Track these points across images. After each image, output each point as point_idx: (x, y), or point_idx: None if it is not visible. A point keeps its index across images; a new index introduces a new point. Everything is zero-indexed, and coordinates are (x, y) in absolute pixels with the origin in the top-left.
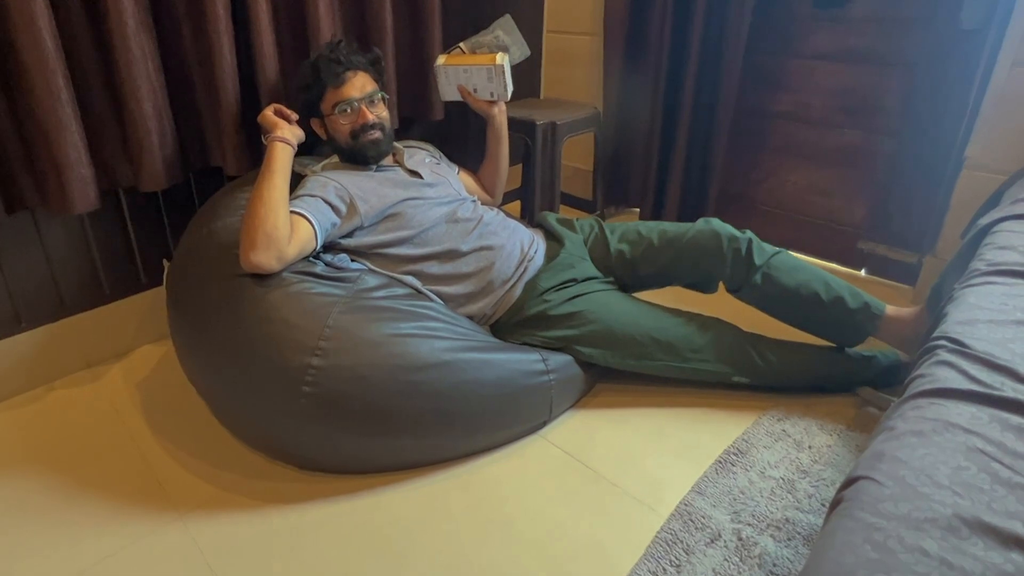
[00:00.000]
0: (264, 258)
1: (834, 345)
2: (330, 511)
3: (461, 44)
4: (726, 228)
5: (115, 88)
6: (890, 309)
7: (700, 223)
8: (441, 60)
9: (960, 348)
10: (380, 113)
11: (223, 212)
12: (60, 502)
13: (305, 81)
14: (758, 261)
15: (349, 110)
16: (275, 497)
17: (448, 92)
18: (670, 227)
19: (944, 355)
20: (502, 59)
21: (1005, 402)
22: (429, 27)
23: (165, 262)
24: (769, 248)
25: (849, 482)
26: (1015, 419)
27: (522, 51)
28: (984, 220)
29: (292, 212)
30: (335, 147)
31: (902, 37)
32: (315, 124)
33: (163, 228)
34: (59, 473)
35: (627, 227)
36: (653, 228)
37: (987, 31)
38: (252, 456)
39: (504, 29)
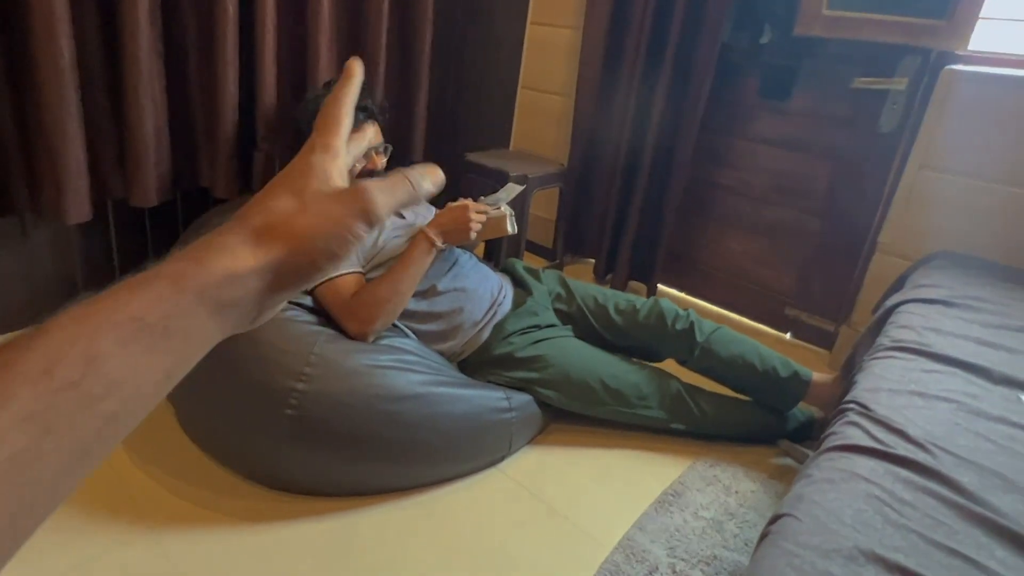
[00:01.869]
0: (372, 335)
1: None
2: (299, 531)
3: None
4: (672, 310)
5: (121, 106)
6: (816, 376)
7: (652, 303)
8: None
9: (866, 412)
10: (381, 163)
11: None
12: None
13: (308, 116)
14: (699, 338)
15: (364, 156)
16: (246, 515)
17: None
18: (626, 306)
19: (853, 417)
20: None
21: (897, 459)
22: (418, 75)
23: None
24: (708, 326)
25: (775, 518)
26: (904, 472)
27: (513, 191)
28: (890, 301)
29: (353, 273)
30: None
31: (831, 132)
32: None
33: (146, 244)
34: None
35: (590, 293)
36: (610, 298)
37: (901, 135)
38: (222, 473)
39: (507, 193)
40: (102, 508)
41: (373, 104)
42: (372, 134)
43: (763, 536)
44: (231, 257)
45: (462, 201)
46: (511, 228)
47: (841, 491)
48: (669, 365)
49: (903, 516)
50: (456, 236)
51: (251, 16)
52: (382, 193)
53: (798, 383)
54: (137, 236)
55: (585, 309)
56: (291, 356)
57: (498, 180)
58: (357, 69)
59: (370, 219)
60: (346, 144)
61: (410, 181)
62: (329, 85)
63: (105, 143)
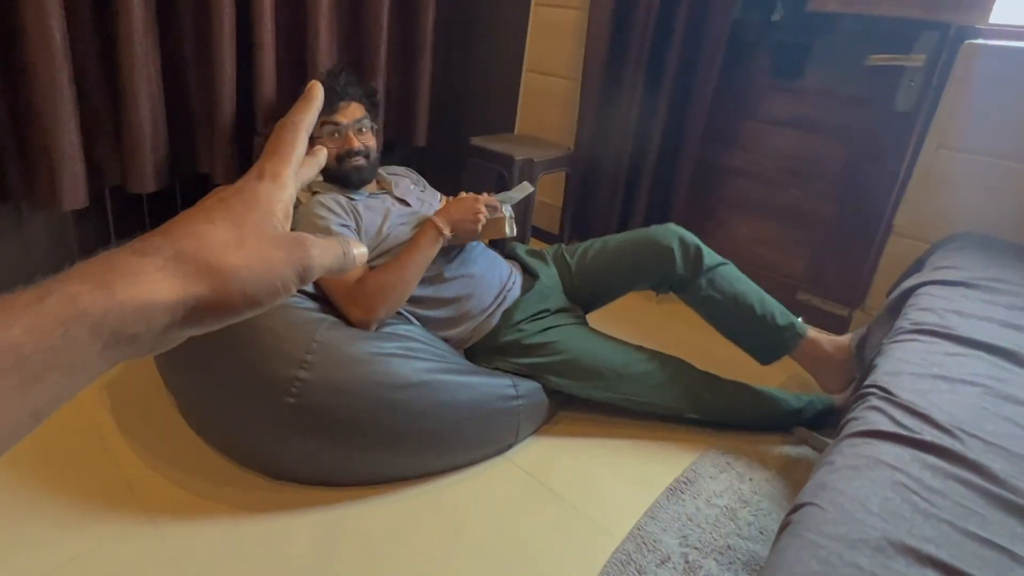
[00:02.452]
0: (376, 324)
1: (761, 363)
2: (300, 521)
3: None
4: (680, 230)
5: (115, 88)
6: (812, 332)
7: (657, 226)
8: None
9: (888, 396)
10: (367, 141)
11: None
12: (27, 503)
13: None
14: (708, 263)
15: (337, 135)
16: (246, 505)
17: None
18: (628, 232)
19: (875, 401)
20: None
21: (924, 444)
22: (420, 59)
23: None
24: (717, 257)
25: (797, 507)
26: (931, 459)
27: (524, 191)
28: (909, 283)
29: None
30: (324, 177)
31: (845, 112)
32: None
33: (144, 231)
34: (26, 474)
35: (585, 243)
36: (611, 237)
37: (918, 115)
38: (223, 463)
39: (519, 191)
40: (100, 498)
41: (354, 85)
42: (354, 111)
43: (784, 525)
44: (145, 286)
45: (471, 194)
46: (510, 231)
47: (866, 478)
48: (682, 348)
49: (932, 505)
50: (463, 227)
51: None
52: (319, 252)
53: (792, 335)
54: (135, 222)
55: (579, 255)
56: (292, 343)
57: (502, 164)
58: (317, 93)
59: (304, 275)
60: (296, 172)
61: (343, 250)
62: (334, 75)
63: (100, 127)
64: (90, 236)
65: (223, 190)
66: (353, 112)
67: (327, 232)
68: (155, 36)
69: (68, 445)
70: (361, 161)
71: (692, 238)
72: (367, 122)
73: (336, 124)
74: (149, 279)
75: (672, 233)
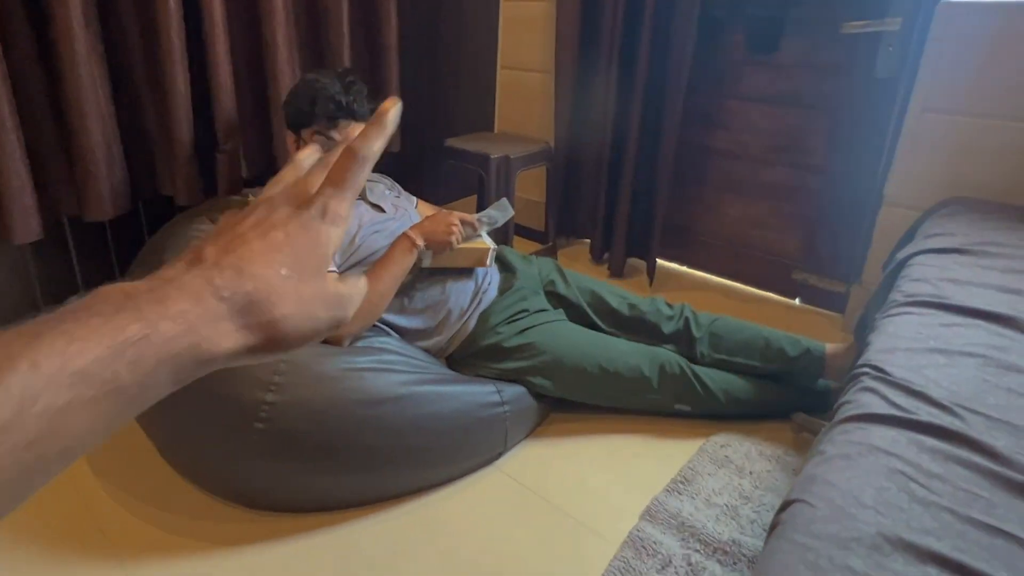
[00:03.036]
0: (350, 339)
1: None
2: (281, 552)
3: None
4: (663, 312)
5: (63, 115)
6: (829, 347)
7: (647, 301)
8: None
9: (881, 375)
10: None
11: (175, 242)
12: None
13: (298, 103)
14: (697, 333)
15: (328, 146)
16: (224, 539)
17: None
18: (621, 298)
19: (867, 382)
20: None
21: (920, 425)
22: (387, 65)
23: None
24: (704, 320)
25: (785, 505)
26: (929, 441)
27: (507, 215)
28: (901, 254)
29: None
30: None
31: (825, 83)
32: (289, 139)
33: (110, 259)
34: None
35: (585, 283)
36: (608, 291)
37: (899, 80)
38: (200, 496)
39: (497, 208)
40: (69, 542)
41: (363, 103)
42: (353, 131)
43: (772, 527)
44: (217, 338)
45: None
46: (490, 262)
47: (859, 468)
48: None
49: (932, 492)
50: (437, 239)
51: (197, 10)
52: (353, 310)
53: (811, 360)
54: (99, 251)
55: (582, 300)
56: (258, 366)
57: (478, 164)
58: (392, 119)
59: (334, 333)
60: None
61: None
62: (345, 86)
63: (50, 156)
64: (51, 266)
65: (284, 216)
66: (352, 133)
67: None
68: (101, 57)
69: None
70: None
71: (675, 317)
72: None
73: (330, 139)
74: (222, 330)
75: (656, 323)
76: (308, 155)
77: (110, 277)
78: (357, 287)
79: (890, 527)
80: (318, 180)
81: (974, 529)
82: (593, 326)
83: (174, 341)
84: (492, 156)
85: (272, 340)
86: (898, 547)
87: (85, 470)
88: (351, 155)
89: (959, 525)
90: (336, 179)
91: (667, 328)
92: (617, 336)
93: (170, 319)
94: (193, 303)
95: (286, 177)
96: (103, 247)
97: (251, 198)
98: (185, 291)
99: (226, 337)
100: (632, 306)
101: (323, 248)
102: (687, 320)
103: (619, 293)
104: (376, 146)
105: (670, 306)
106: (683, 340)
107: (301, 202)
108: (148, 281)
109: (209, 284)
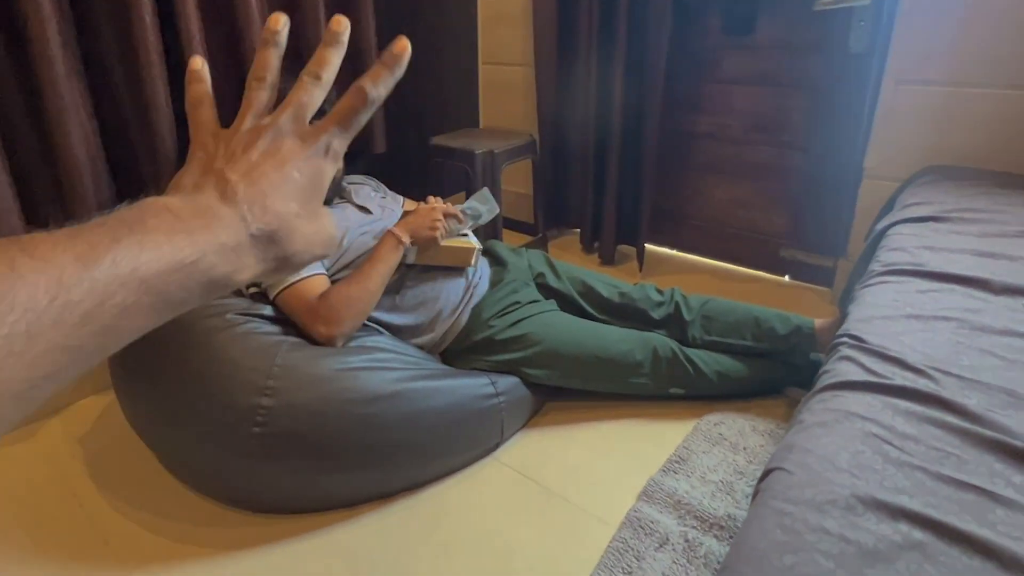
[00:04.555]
0: (343, 339)
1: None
2: (285, 554)
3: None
4: (653, 298)
5: (45, 136)
6: (818, 322)
7: (636, 290)
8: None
9: (859, 343)
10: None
11: None
12: None
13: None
14: (688, 317)
15: None
16: (228, 544)
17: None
18: (611, 286)
19: (846, 351)
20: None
21: (895, 389)
22: (366, 65)
23: None
24: (695, 303)
25: (765, 474)
26: (903, 404)
27: (492, 210)
28: (880, 225)
29: (318, 275)
30: None
31: (801, 61)
32: None
33: None
34: None
35: (575, 272)
36: (598, 280)
37: (872, 54)
38: (203, 504)
39: (479, 199)
40: (74, 554)
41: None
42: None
43: (753, 496)
44: (244, 266)
45: (432, 202)
46: (475, 261)
47: (835, 434)
48: None
49: (905, 452)
50: (422, 235)
51: (174, 23)
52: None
53: (801, 336)
54: None
55: (573, 290)
56: (252, 371)
57: (464, 161)
58: (403, 59)
59: (329, 253)
60: None
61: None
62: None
63: (35, 176)
64: None
65: (293, 149)
66: None
67: None
68: (80, 75)
69: (36, 505)
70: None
71: (663, 300)
72: None
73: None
74: (249, 262)
75: (645, 307)
76: (284, 26)
77: None
78: (337, 227)
79: (864, 488)
80: (269, 99)
81: (945, 485)
82: (585, 315)
83: (215, 269)
84: (477, 152)
85: (279, 270)
86: (871, 506)
87: (87, 481)
88: (360, 96)
89: (930, 482)
90: (342, 120)
91: (658, 314)
92: (609, 323)
93: (215, 252)
94: (231, 236)
95: (270, 61)
96: None
97: None
98: (224, 223)
99: (250, 268)
100: (622, 294)
101: (323, 187)
102: (677, 304)
103: (609, 282)
104: (385, 89)
105: (660, 292)
106: (674, 324)
107: (305, 134)
108: (186, 201)
109: (243, 221)
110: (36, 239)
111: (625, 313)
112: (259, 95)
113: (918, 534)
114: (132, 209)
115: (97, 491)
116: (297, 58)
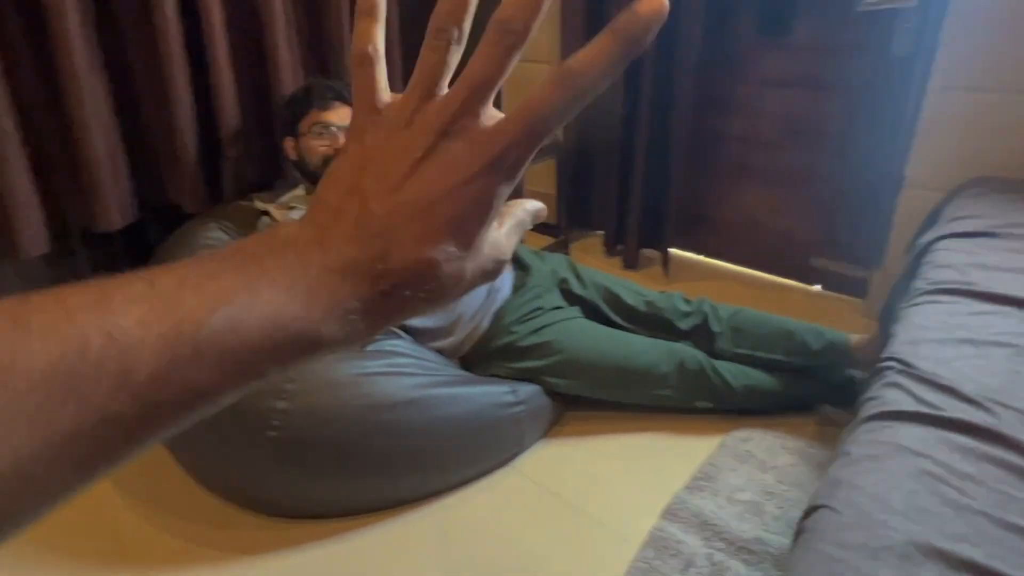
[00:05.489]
0: None
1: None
2: (300, 559)
3: None
4: (680, 308)
5: (65, 128)
6: (854, 339)
7: (663, 299)
8: None
9: (907, 369)
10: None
11: (184, 250)
12: (6, 566)
13: (292, 97)
14: (716, 329)
15: (325, 133)
16: (243, 547)
17: None
18: (636, 293)
19: (893, 376)
20: None
21: (950, 423)
22: (389, 60)
23: None
24: (724, 313)
25: (810, 511)
26: (960, 439)
27: None
28: (925, 238)
29: None
30: (304, 171)
31: (840, 64)
32: (288, 144)
33: (121, 268)
34: None
35: (599, 278)
36: (622, 287)
37: (917, 58)
38: (219, 505)
39: None
40: (88, 554)
41: (344, 85)
42: (347, 114)
43: (797, 534)
44: (355, 329)
45: None
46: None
47: (886, 470)
48: None
49: (964, 494)
50: None
51: (196, 17)
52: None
53: (835, 352)
54: (110, 260)
55: (596, 296)
56: None
57: None
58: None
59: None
60: None
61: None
62: (331, 77)
63: (56, 169)
64: (63, 277)
65: (461, 164)
66: (346, 115)
67: None
68: (101, 69)
69: None
70: None
71: (688, 321)
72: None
73: (326, 124)
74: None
75: (671, 318)
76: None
77: None
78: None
79: (921, 534)
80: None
81: (1011, 534)
82: (609, 323)
83: (322, 339)
84: None
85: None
86: (930, 555)
87: (102, 483)
88: (565, 84)
89: (995, 530)
90: (535, 120)
91: (685, 324)
92: (634, 332)
93: (333, 320)
94: (354, 300)
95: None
96: (113, 256)
97: (257, 203)
98: (350, 284)
99: (363, 333)
100: (649, 302)
101: (491, 217)
102: (706, 315)
103: (635, 289)
104: (607, 74)
105: (688, 301)
106: (702, 336)
107: (479, 137)
108: (315, 235)
109: (374, 280)
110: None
111: (651, 322)
112: (446, 58)
113: None
114: (259, 241)
115: (112, 489)
116: (322, 62)
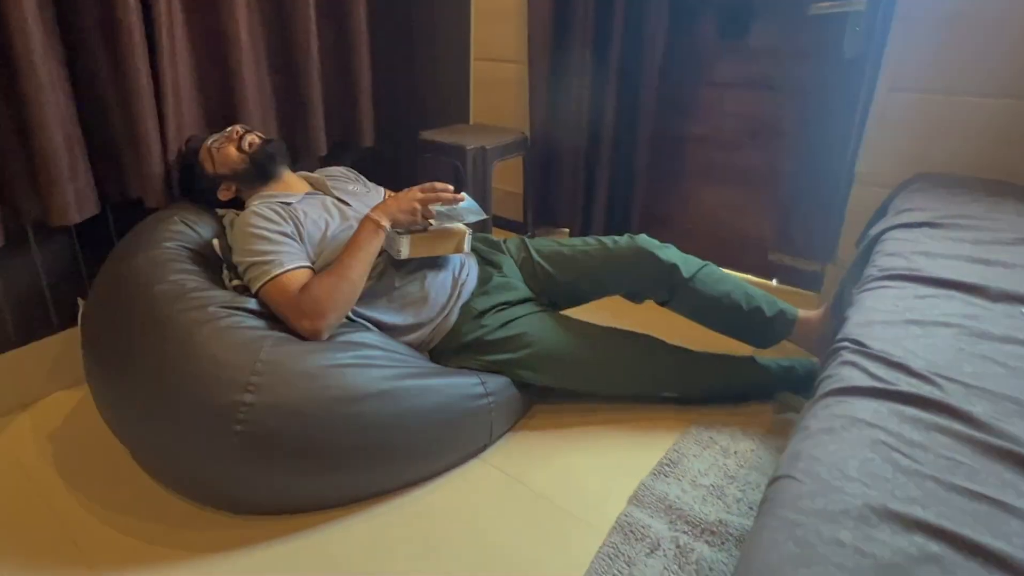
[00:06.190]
0: (327, 331)
1: (754, 352)
2: (266, 556)
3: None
4: (650, 246)
5: (21, 117)
6: (801, 313)
7: (625, 240)
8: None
9: (861, 348)
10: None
11: (145, 245)
12: None
13: (186, 162)
14: (685, 274)
15: (222, 136)
16: (206, 546)
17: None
18: (594, 247)
19: (847, 355)
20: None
21: (901, 396)
22: (357, 57)
23: (80, 300)
24: (694, 262)
25: (772, 481)
26: (910, 411)
27: (478, 213)
28: (874, 230)
29: (302, 267)
30: (244, 181)
31: (794, 66)
32: (221, 192)
33: (77, 264)
34: None
35: (551, 247)
36: (578, 247)
37: (866, 60)
38: (180, 504)
39: (466, 206)
40: (42, 558)
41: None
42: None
43: (761, 503)
44: None
45: (415, 189)
46: (467, 247)
47: (842, 441)
48: (652, 320)
49: (915, 461)
50: (401, 219)
51: (156, 3)
52: None
53: (783, 321)
54: (66, 257)
55: (546, 264)
56: (234, 367)
57: (455, 156)
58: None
59: None
60: None
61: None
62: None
63: (8, 160)
64: (14, 275)
65: None
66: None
67: (264, 241)
68: (59, 57)
69: (5, 503)
70: (258, 137)
71: (668, 253)
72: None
73: (216, 134)
74: None
75: (642, 251)
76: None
77: (78, 281)
78: None
79: (876, 498)
80: None
81: (957, 495)
82: (567, 287)
83: None
84: (468, 148)
85: None
86: (885, 517)
87: (56, 480)
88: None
89: (943, 492)
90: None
91: (653, 262)
92: (596, 280)
93: None
94: None
95: None
96: (70, 251)
97: (223, 215)
98: None
99: None
100: (607, 247)
101: None
102: (674, 263)
103: (594, 238)
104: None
105: (656, 246)
106: (666, 278)
107: None
108: None
109: None
110: None
111: (612, 260)
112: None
113: (934, 546)
114: None
115: (67, 490)
116: (286, 56)
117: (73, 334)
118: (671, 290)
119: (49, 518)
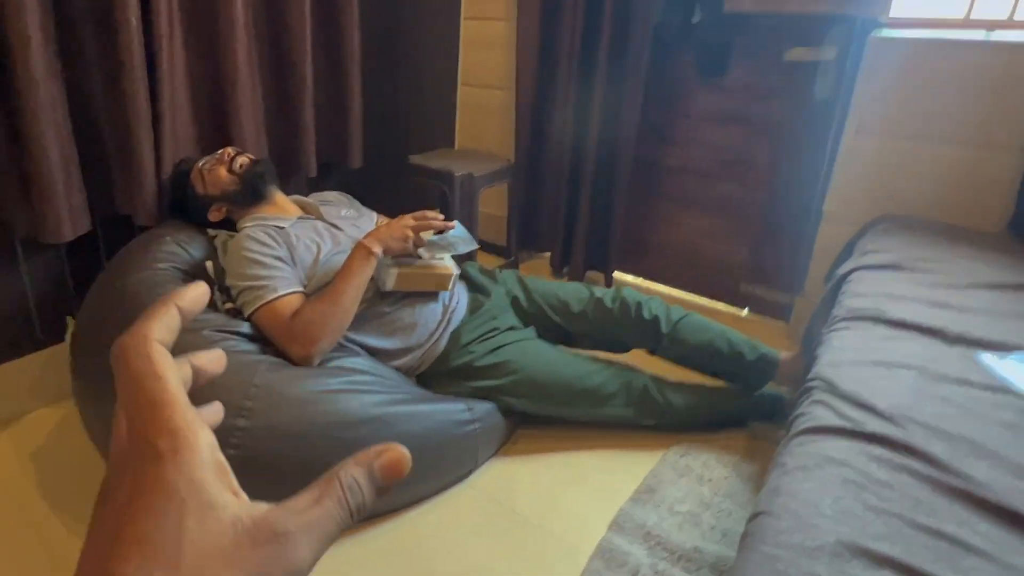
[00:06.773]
0: (318, 356)
1: (727, 383)
2: None
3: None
4: (635, 299)
5: (18, 135)
6: (783, 353)
7: (613, 292)
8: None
9: (831, 388)
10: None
11: (137, 265)
12: None
13: (178, 183)
14: (665, 329)
15: (213, 159)
16: None
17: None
18: (585, 294)
19: (819, 395)
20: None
21: (868, 436)
22: (349, 80)
23: (69, 319)
24: (676, 313)
25: (753, 517)
26: (876, 450)
27: (469, 243)
28: (841, 269)
29: (295, 293)
30: (234, 202)
31: (768, 105)
32: (212, 213)
33: (65, 280)
34: None
35: (546, 289)
36: (571, 293)
37: (835, 103)
38: None
39: (458, 234)
40: None
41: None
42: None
43: (743, 538)
44: None
45: (409, 217)
46: (452, 286)
47: (816, 479)
48: (636, 356)
49: (882, 500)
50: (395, 244)
51: (156, 26)
52: (309, 532)
53: (766, 364)
54: (53, 273)
55: (545, 307)
56: (228, 391)
57: (442, 181)
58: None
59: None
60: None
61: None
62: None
63: (3, 177)
64: (3, 289)
65: (108, 483)
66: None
67: (258, 266)
68: (58, 75)
69: None
70: (248, 158)
71: (648, 303)
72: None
73: (212, 155)
74: None
75: (627, 304)
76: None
77: (65, 300)
78: (305, 523)
79: (848, 534)
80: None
81: (920, 533)
82: (560, 330)
83: None
84: (456, 173)
85: None
86: (856, 553)
87: (39, 501)
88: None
89: (907, 530)
90: (139, 402)
91: (638, 316)
92: (587, 331)
93: None
94: None
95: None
96: (57, 267)
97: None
98: None
99: None
100: (599, 300)
101: (190, 501)
102: (657, 314)
103: (581, 296)
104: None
105: (641, 304)
106: (651, 330)
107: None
108: None
109: None
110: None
111: (600, 326)
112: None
113: None
114: None
115: (51, 511)
116: (281, 79)
117: (57, 351)
118: (655, 341)
119: (31, 536)
